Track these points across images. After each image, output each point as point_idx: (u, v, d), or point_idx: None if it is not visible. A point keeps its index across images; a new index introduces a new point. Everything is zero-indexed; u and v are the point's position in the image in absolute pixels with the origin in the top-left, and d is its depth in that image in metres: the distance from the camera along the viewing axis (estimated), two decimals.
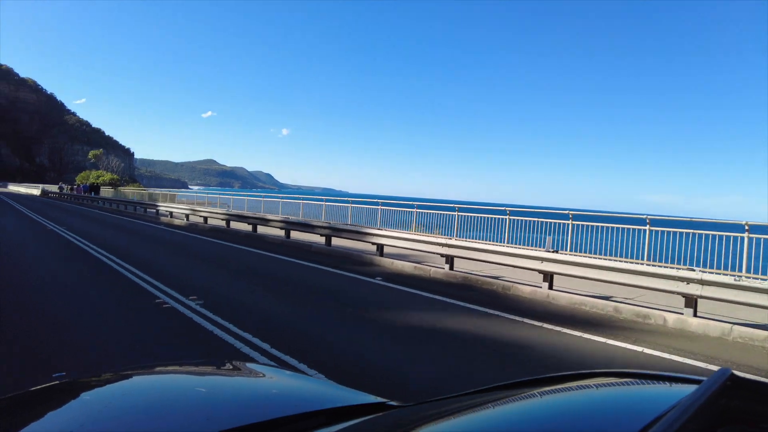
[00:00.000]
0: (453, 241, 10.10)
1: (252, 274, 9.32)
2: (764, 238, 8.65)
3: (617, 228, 10.60)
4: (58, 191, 54.53)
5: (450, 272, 9.56)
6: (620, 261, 9.33)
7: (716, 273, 7.57)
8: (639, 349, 5.42)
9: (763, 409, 0.77)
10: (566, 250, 11.38)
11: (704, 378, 0.73)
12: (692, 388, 0.68)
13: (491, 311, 6.84)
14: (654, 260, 9.78)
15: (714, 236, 9.13)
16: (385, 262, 10.95)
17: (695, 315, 6.57)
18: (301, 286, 8.18)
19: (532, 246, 11.79)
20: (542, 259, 8.17)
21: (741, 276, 7.71)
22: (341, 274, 9.47)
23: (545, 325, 6.18)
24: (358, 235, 12.37)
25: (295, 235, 15.35)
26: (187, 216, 22.20)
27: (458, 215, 14.51)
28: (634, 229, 10.42)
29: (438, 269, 9.77)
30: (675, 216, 10.65)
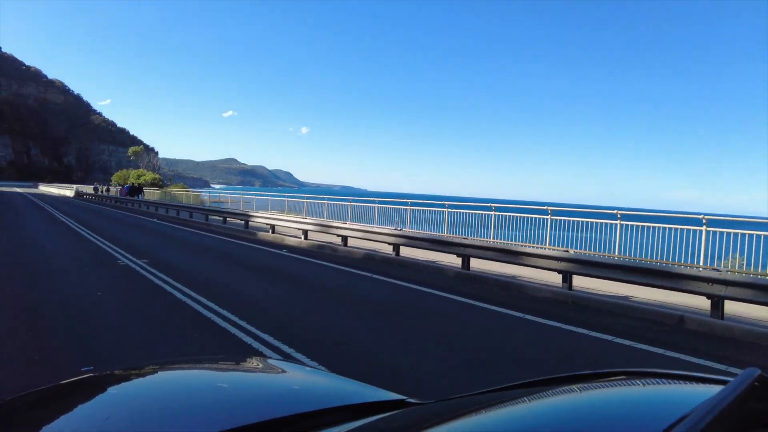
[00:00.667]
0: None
1: None
2: None
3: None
4: (93, 192, 51.17)
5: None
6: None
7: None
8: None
9: None
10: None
11: (731, 378, 0.71)
12: (718, 388, 0.66)
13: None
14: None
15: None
16: None
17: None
18: None
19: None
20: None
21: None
22: None
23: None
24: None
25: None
26: (274, 230, 16.35)
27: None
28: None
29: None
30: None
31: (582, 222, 12.10)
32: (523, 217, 13.40)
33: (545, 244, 12.38)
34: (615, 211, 11.41)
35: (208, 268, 9.71)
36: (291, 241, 14.94)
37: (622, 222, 11.00)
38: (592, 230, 11.67)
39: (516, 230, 13.52)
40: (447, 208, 15.90)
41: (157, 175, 62.33)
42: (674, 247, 9.85)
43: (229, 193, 37.35)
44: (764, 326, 6.11)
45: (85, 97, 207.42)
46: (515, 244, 12.27)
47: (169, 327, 5.62)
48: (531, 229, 12.95)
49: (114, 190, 52.24)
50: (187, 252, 12.50)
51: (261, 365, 1.86)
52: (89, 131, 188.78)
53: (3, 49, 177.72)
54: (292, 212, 23.50)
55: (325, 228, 14.60)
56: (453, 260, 10.39)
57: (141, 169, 65.93)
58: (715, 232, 9.32)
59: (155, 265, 9.45)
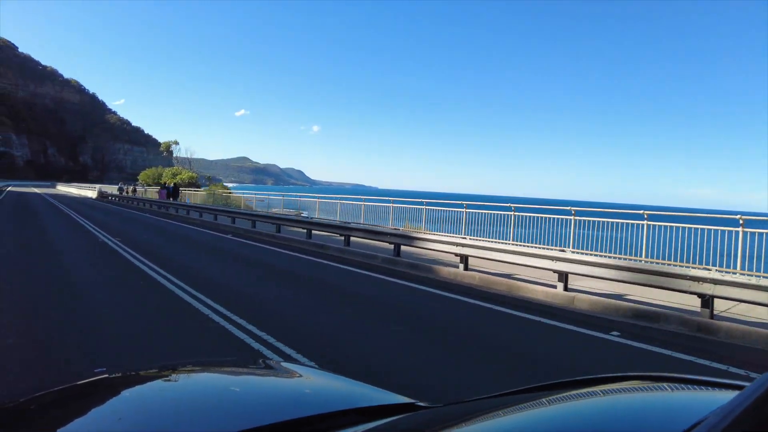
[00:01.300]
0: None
1: None
2: None
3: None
4: (117, 193, 46.14)
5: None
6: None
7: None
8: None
9: None
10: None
11: (747, 384, 0.68)
12: (734, 393, 0.63)
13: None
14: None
15: None
16: None
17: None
18: None
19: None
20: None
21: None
22: None
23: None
24: None
25: None
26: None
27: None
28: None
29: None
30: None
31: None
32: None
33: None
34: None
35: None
36: (445, 272, 10.02)
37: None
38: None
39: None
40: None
41: (193, 174, 51.69)
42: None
43: (266, 195, 30.36)
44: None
45: (100, 97, 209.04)
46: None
47: None
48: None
49: (141, 190, 47.81)
50: (356, 311, 6.90)
51: (273, 368, 1.85)
52: (104, 130, 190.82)
53: (20, 49, 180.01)
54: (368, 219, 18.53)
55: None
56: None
57: (176, 167, 56.60)
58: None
59: (310, 347, 4.99)
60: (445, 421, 0.98)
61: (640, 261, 9.76)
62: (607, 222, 11.68)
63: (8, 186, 73.92)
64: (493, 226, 14.21)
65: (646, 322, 6.62)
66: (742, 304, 6.54)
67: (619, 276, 7.51)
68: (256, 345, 4.98)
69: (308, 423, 1.06)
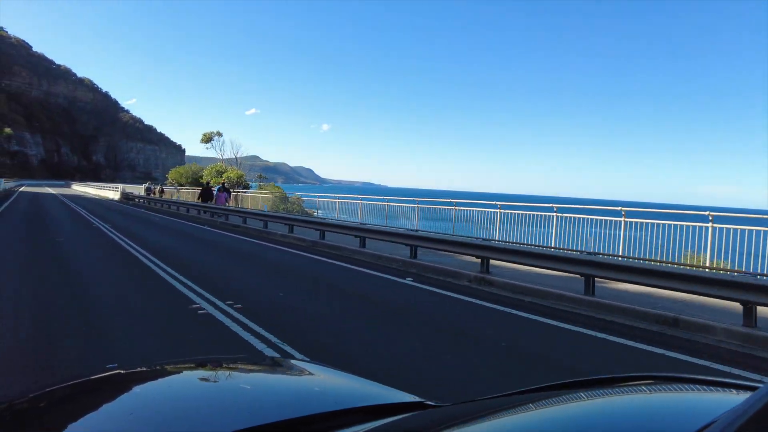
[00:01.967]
0: None
1: None
2: None
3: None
4: (145, 195, 39.47)
5: None
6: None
7: None
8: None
9: None
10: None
11: (760, 385, 0.66)
12: (747, 394, 0.62)
13: None
14: None
15: None
16: None
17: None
18: None
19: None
20: None
21: None
22: None
23: None
24: None
25: None
26: None
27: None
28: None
29: None
30: None
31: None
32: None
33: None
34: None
35: None
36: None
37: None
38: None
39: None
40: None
41: (241, 172, 41.29)
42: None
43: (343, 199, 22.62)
44: None
45: (113, 96, 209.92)
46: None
47: None
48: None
49: (170, 191, 41.13)
50: None
51: (282, 366, 1.89)
52: (117, 129, 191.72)
53: (34, 48, 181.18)
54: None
55: None
56: None
57: (219, 164, 46.01)
58: None
59: None
60: (453, 420, 0.96)
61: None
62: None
63: (21, 186, 69.01)
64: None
65: None
66: None
67: None
68: None
69: (316, 421, 1.05)
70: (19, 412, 1.19)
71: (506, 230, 14.25)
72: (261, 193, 31.52)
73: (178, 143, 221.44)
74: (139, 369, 1.65)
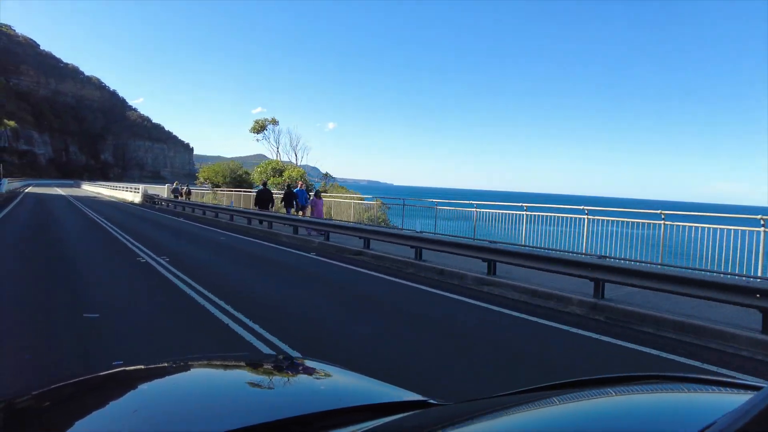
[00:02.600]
0: None
1: None
2: None
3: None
4: (173, 196, 33.08)
5: None
6: None
7: None
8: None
9: None
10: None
11: (764, 384, 0.65)
12: (751, 394, 0.63)
13: None
14: None
15: None
16: None
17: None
18: None
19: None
20: None
21: None
22: None
23: None
24: None
25: None
26: None
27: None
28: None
29: None
30: None
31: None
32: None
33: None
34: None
35: None
36: None
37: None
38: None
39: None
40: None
41: (302, 170, 35.12)
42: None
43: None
44: None
45: (120, 94, 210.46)
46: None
47: None
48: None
49: (197, 192, 36.55)
50: None
51: (288, 364, 1.91)
52: (125, 128, 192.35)
53: (41, 47, 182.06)
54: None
55: None
56: None
57: (276, 160, 37.97)
58: None
59: None
60: (456, 419, 0.96)
61: None
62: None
63: (27, 185, 60.78)
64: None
65: None
66: None
67: None
68: None
69: (320, 418, 1.06)
70: (25, 409, 1.21)
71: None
72: (353, 198, 23.47)
73: (186, 141, 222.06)
74: (143, 366, 1.67)
